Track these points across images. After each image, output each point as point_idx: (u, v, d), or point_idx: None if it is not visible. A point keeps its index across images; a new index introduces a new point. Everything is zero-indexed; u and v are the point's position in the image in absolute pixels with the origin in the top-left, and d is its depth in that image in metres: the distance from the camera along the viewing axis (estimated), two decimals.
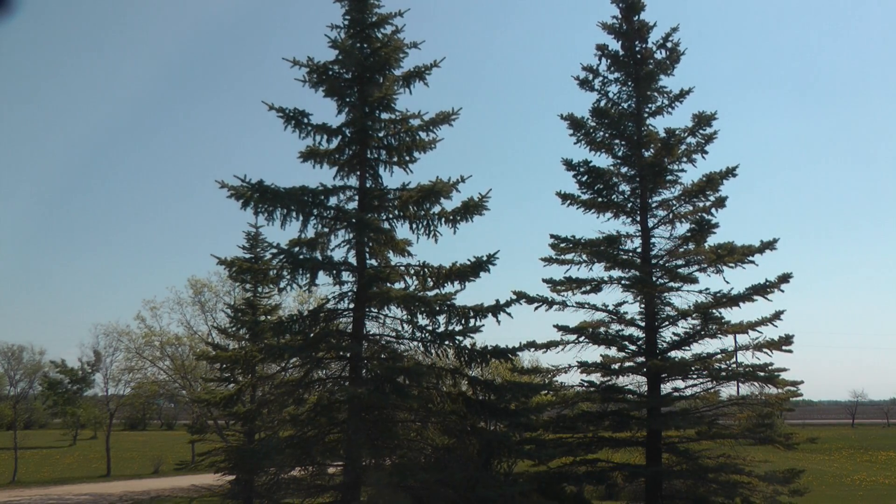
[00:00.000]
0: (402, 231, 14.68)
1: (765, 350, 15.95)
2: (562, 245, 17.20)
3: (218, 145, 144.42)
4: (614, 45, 17.84)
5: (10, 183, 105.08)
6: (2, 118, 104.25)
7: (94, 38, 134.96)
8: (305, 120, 14.41)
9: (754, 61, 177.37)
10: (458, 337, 14.19)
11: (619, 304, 17.11)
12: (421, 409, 14.28)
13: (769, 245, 16.43)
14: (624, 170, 17.62)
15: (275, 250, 14.06)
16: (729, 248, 16.40)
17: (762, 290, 16.09)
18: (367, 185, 14.73)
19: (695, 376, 16.85)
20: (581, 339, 16.84)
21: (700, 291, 16.70)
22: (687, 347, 17.05)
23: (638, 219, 17.53)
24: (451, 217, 14.38)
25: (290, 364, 15.31)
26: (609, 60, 17.78)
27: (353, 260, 14.51)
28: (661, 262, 17.30)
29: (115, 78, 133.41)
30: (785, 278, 16.07)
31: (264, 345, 14.34)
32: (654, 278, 16.82)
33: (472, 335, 14.20)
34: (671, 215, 17.36)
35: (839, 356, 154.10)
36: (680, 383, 17.16)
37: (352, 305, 14.48)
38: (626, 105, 17.73)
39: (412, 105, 21.21)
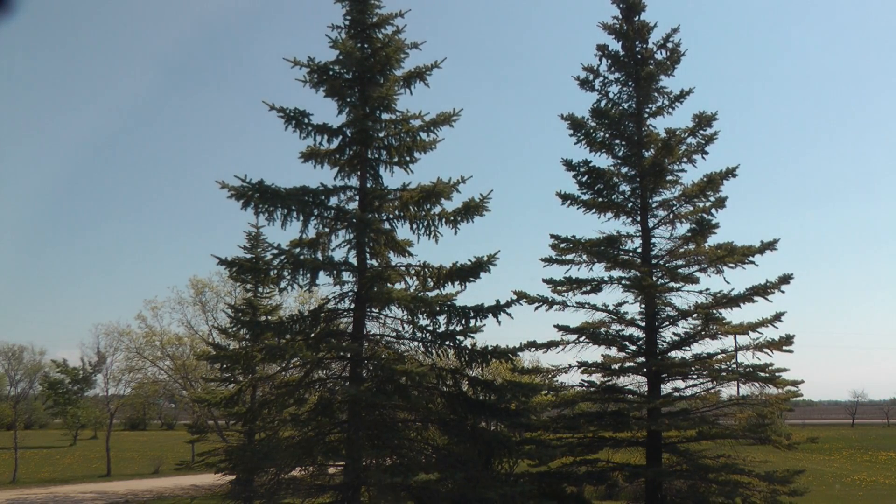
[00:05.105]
0: (403, 231, 14.71)
1: (765, 350, 15.94)
2: (562, 245, 17.19)
3: (218, 145, 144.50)
4: (615, 45, 17.85)
5: (10, 183, 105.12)
6: (1, 118, 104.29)
7: (95, 37, 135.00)
8: (306, 120, 14.42)
9: (754, 61, 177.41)
10: (458, 337, 14.21)
11: (620, 305, 17.11)
12: (421, 409, 14.29)
13: (769, 245, 16.43)
14: (624, 170, 17.62)
15: (275, 250, 14.08)
16: (729, 248, 16.40)
17: (762, 290, 16.09)
18: (368, 186, 14.74)
19: (695, 376, 16.85)
20: (581, 339, 16.83)
21: (700, 292, 16.71)
22: (687, 347, 17.04)
23: (638, 219, 17.53)
24: (452, 217, 14.40)
25: (291, 364, 15.33)
26: (609, 61, 17.78)
27: (353, 260, 14.53)
28: (661, 262, 17.30)
29: (115, 78, 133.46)
30: (785, 279, 16.07)
31: (265, 345, 14.36)
32: (655, 278, 16.81)
33: (472, 335, 14.23)
34: (671, 215, 17.35)
35: (839, 356, 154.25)
36: (680, 383, 17.16)
37: (352, 305, 14.50)
38: (626, 105, 17.72)
39: (413, 105, 21.20)
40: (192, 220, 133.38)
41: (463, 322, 14.03)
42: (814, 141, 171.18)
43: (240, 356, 14.98)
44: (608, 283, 16.92)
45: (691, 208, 17.21)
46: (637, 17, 17.77)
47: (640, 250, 17.42)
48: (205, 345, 26.63)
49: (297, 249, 14.17)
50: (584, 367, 16.78)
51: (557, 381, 17.25)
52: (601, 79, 17.88)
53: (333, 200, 14.49)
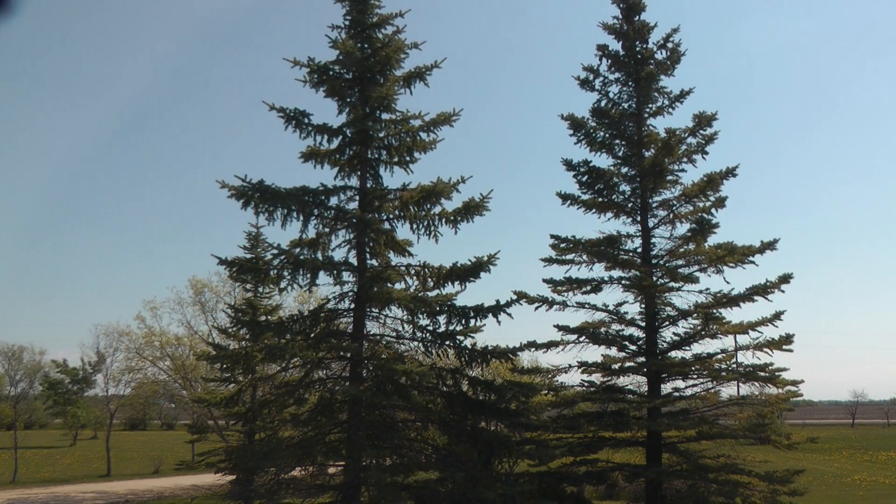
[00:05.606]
0: (403, 231, 14.72)
1: (765, 350, 15.94)
2: (562, 245, 17.19)
3: (218, 145, 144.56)
4: (615, 45, 17.86)
5: (10, 182, 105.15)
6: (2, 118, 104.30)
7: (95, 37, 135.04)
8: (306, 120, 14.43)
9: (754, 61, 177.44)
10: (458, 337, 14.21)
11: (620, 304, 17.11)
12: (421, 408, 14.29)
13: (769, 245, 16.43)
14: (624, 170, 17.62)
15: (275, 250, 14.09)
16: (729, 248, 16.40)
17: (762, 290, 16.09)
18: (368, 186, 14.75)
19: (695, 376, 16.84)
20: (581, 339, 16.83)
21: (700, 291, 16.71)
22: (687, 347, 17.03)
23: (638, 219, 17.53)
24: (452, 217, 14.40)
25: (291, 364, 15.32)
26: (609, 61, 17.78)
27: (353, 260, 14.53)
28: (661, 262, 17.29)
29: (115, 77, 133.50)
30: (785, 279, 16.07)
31: (265, 345, 14.35)
32: (655, 278, 16.81)
33: (472, 335, 14.23)
34: (671, 215, 17.35)
35: (839, 356, 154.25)
36: (680, 383, 17.16)
37: (352, 305, 14.50)
38: (626, 105, 17.72)
39: (413, 105, 21.22)
40: (192, 220, 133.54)
41: (463, 322, 14.04)
42: (814, 140, 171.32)
43: (240, 356, 14.99)
44: (608, 283, 16.93)
45: (691, 208, 17.21)
46: (637, 17, 17.78)
47: (640, 250, 17.42)
48: (204, 345, 26.62)
49: (297, 249, 14.17)
50: (584, 367, 16.78)
51: (557, 381, 17.26)
52: (601, 79, 17.89)
53: (333, 200, 14.50)
